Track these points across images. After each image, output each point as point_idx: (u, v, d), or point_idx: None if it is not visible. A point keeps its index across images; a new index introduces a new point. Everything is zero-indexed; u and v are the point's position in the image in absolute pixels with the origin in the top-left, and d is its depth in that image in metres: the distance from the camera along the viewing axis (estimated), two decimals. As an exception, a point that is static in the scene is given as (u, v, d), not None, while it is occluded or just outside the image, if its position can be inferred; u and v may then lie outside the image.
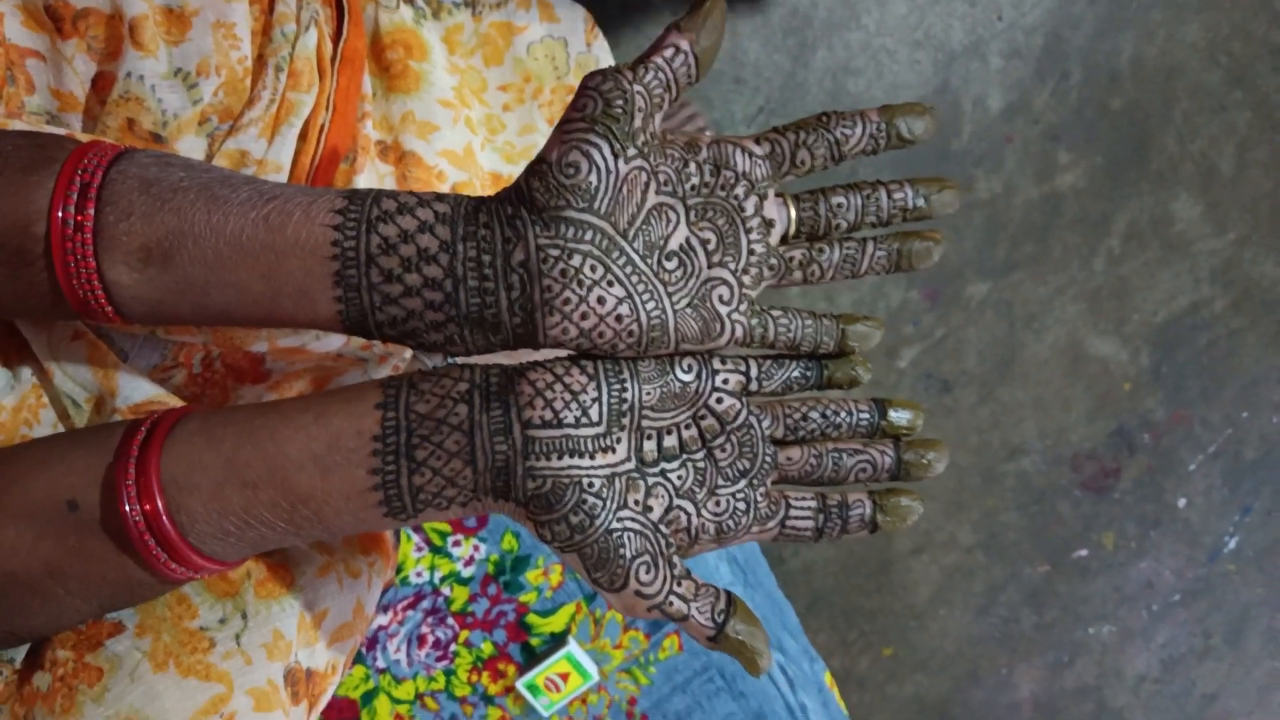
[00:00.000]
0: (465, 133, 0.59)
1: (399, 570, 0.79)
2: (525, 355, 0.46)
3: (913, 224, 0.47)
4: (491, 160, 0.62)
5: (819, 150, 0.42)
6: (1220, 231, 1.58)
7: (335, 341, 0.55)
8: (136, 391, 0.46)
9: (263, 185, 0.41)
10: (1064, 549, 1.68)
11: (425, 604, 0.79)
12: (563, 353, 0.42)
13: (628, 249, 0.40)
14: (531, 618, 0.80)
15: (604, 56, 0.65)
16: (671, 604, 0.41)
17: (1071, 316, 1.51)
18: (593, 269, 0.40)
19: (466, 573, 0.79)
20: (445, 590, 0.79)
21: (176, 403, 0.48)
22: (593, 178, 0.39)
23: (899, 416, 0.44)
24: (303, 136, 0.53)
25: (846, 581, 1.66)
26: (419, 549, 0.79)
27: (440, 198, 0.41)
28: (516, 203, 0.40)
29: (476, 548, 0.79)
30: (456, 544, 0.79)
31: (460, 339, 0.41)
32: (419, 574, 0.79)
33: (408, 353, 0.60)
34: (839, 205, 0.43)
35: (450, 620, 0.79)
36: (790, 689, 0.85)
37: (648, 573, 0.40)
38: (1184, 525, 1.70)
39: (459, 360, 0.43)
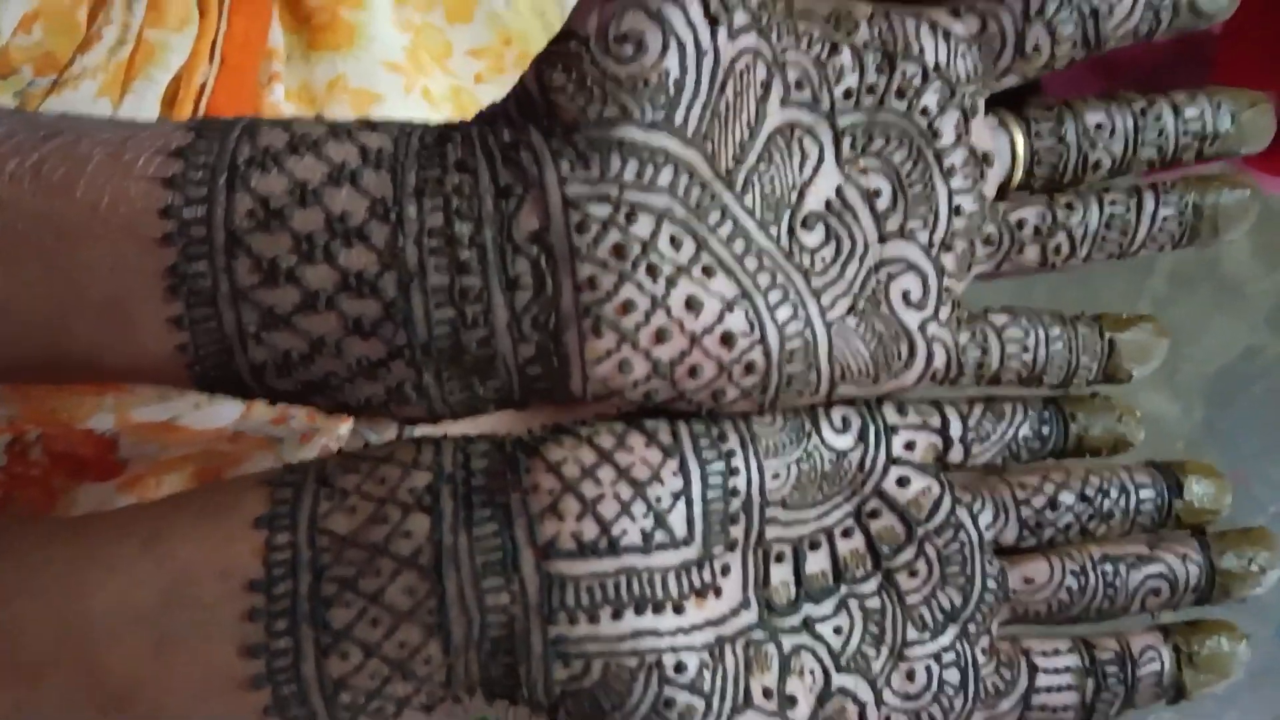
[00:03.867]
0: (423, 107, 0.42)
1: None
2: (536, 417, 0.27)
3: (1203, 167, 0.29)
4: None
5: (1065, 26, 0.24)
6: (1271, 270, 1.43)
7: (228, 412, 0.36)
8: None
9: (39, 118, 0.23)
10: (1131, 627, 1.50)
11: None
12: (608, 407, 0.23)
13: (735, 208, 0.22)
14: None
15: None
16: None
17: (1114, 369, 1.35)
18: (674, 244, 0.21)
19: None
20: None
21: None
22: (670, 61, 0.21)
23: (1202, 492, 0.26)
24: (170, 99, 0.35)
25: None
26: None
27: (371, 125, 0.23)
28: (520, 120, 0.22)
29: None
30: None
31: (418, 391, 0.22)
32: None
33: (345, 427, 0.41)
34: (1098, 128, 0.25)
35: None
36: None
37: None
38: (1248, 597, 1.53)
39: (418, 432, 0.25)
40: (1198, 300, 1.50)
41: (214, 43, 0.36)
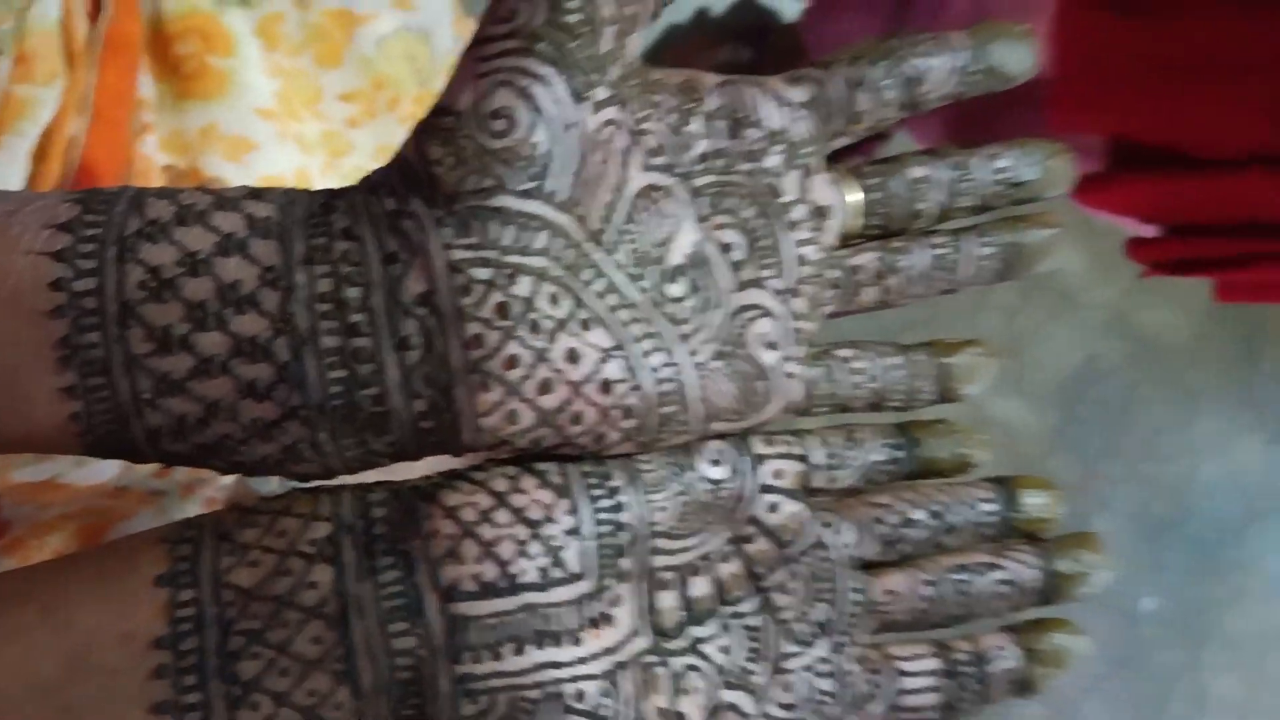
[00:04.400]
0: (296, 152, 0.42)
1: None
2: (420, 467, 0.28)
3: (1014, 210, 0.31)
4: (338, 193, 0.45)
5: (888, 92, 0.26)
6: (1105, 282, 1.54)
7: (108, 467, 0.35)
8: None
9: None
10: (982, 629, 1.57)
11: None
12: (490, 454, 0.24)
13: (607, 265, 0.23)
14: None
15: None
16: None
17: (970, 378, 1.43)
18: (553, 301, 0.23)
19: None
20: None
21: None
22: (539, 135, 0.22)
23: (1035, 503, 0.28)
24: (41, 155, 0.34)
25: None
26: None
27: (256, 193, 0.23)
28: (404, 189, 0.23)
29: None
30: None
31: (313, 449, 0.23)
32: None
33: (229, 478, 0.41)
34: (920, 181, 0.27)
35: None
36: None
37: None
38: (1103, 592, 1.62)
39: (311, 484, 0.26)
40: (1041, 310, 1.60)
41: (83, 95, 0.35)
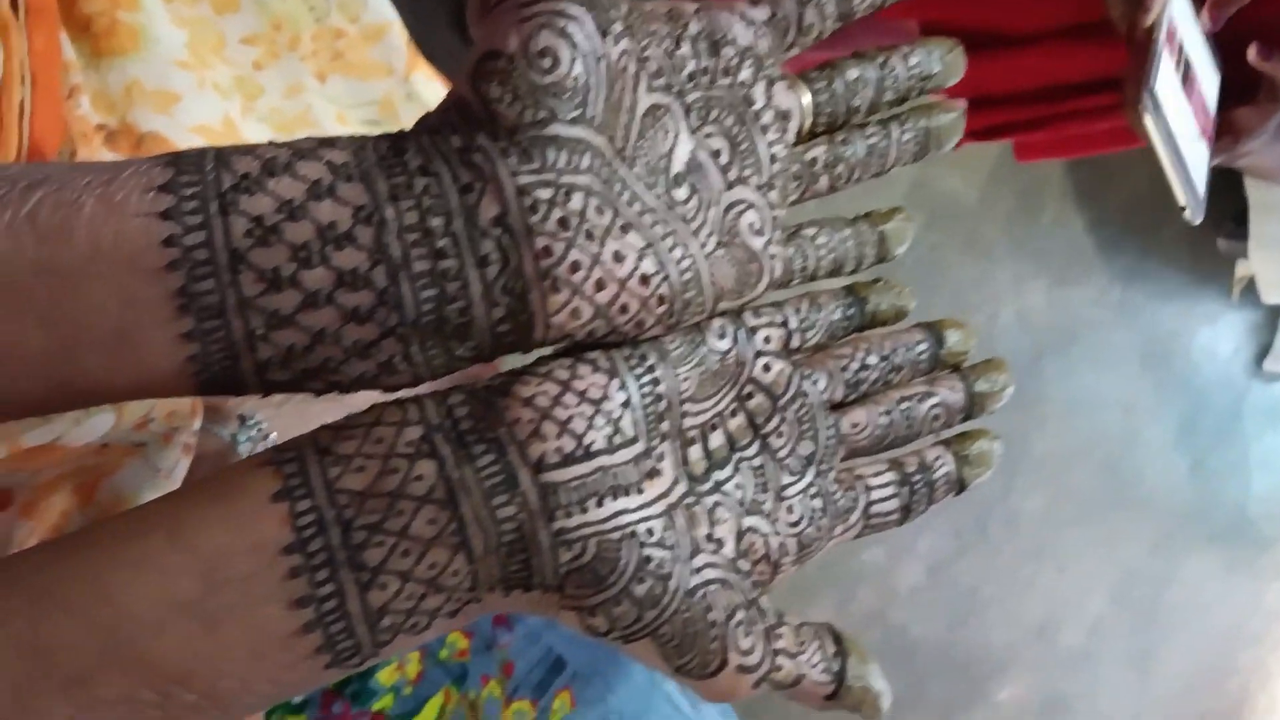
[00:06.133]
0: (216, 100, 0.43)
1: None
2: (460, 378, 0.31)
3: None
4: (260, 132, 0.46)
5: (828, 5, 0.31)
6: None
7: (101, 424, 0.37)
8: None
9: (11, 169, 0.24)
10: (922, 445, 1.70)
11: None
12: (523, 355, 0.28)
13: (629, 178, 0.27)
14: (394, 725, 0.63)
15: None
16: (780, 668, 0.29)
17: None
18: (599, 212, 0.26)
19: (296, 699, 0.61)
20: (275, 728, 0.60)
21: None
22: (578, 68, 0.26)
23: (955, 339, 0.35)
24: (-8, 126, 0.34)
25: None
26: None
27: (327, 142, 0.26)
28: (467, 127, 0.26)
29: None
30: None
31: (405, 361, 0.26)
32: None
33: (196, 423, 0.43)
34: (856, 81, 0.32)
35: (290, 763, 0.61)
36: (693, 709, 0.75)
37: (746, 636, 0.28)
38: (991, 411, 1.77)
39: (389, 397, 0.28)
40: (856, 189, 1.70)
41: (20, 63, 0.35)
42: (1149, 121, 0.63)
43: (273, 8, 0.47)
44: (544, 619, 0.69)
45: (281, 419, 0.50)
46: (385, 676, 0.63)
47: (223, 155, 0.25)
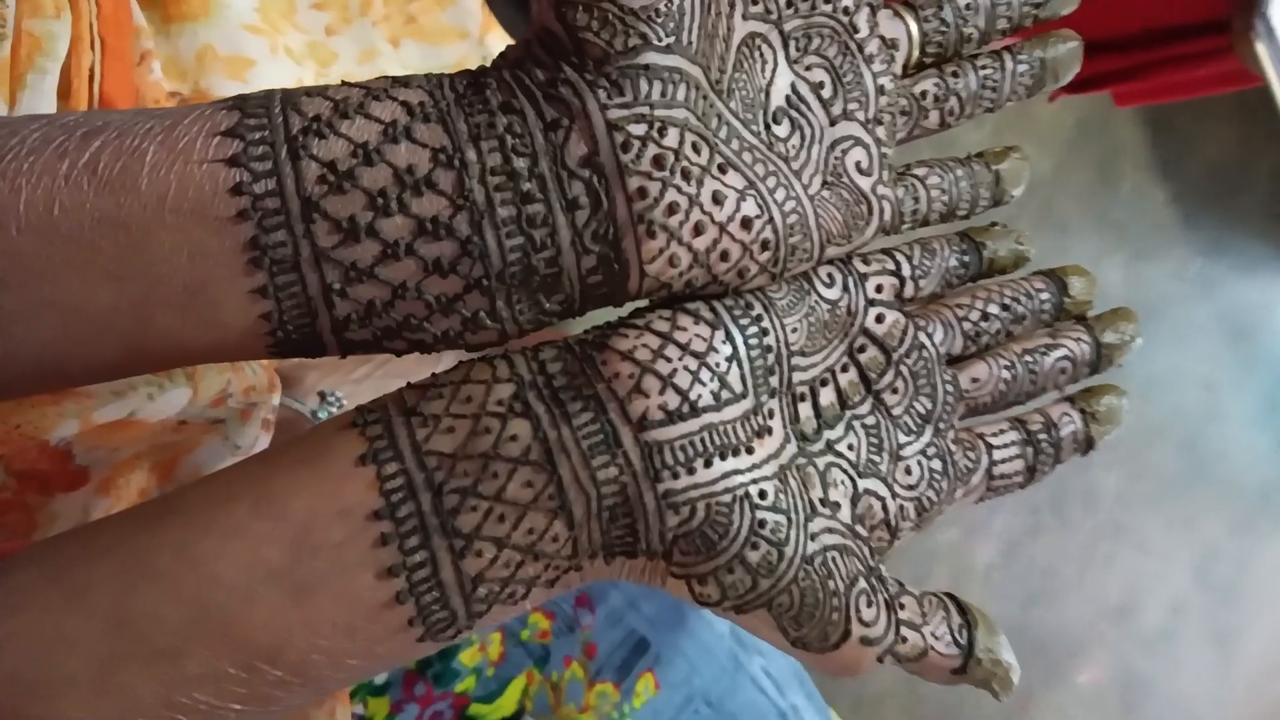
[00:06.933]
0: (290, 66, 0.41)
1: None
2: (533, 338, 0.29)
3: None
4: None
5: None
6: (976, 126, 1.61)
7: (177, 399, 0.36)
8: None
9: (66, 117, 0.23)
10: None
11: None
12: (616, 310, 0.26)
13: (726, 113, 0.25)
14: (475, 708, 0.62)
15: None
16: (905, 640, 0.27)
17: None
18: (695, 150, 0.24)
19: (379, 679, 0.60)
20: (357, 709, 0.59)
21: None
22: None
23: (1079, 287, 0.32)
24: (65, 91, 0.33)
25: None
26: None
27: (401, 81, 0.24)
28: (550, 59, 0.24)
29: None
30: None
31: (491, 316, 0.24)
32: (312, 697, 0.58)
33: (276, 398, 0.42)
34: (967, 8, 0.30)
35: (369, 744, 0.60)
36: (778, 691, 0.73)
37: (869, 605, 0.26)
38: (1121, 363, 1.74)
39: (472, 356, 0.27)
40: (921, 158, 1.65)
41: (90, 26, 0.34)
42: (1262, 50, 0.59)
43: (342, -28, 0.45)
44: (626, 600, 0.68)
45: (361, 394, 0.49)
46: (467, 658, 0.63)
47: (291, 97, 0.23)
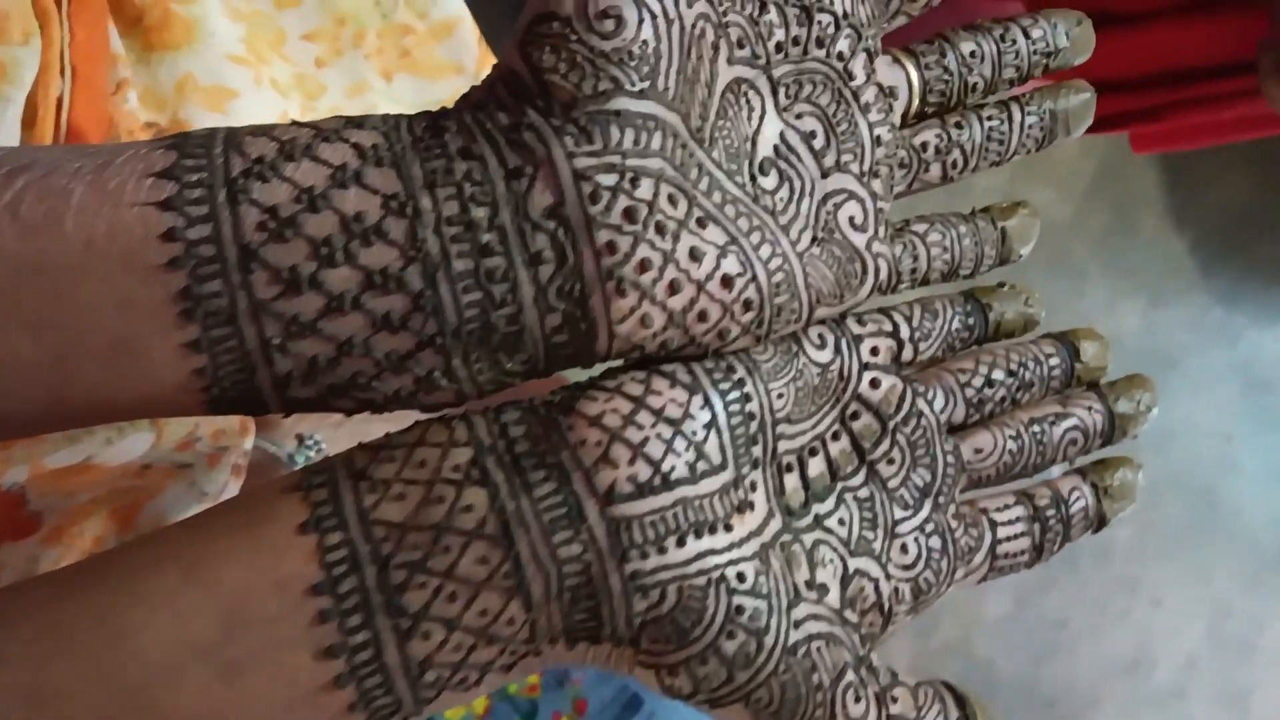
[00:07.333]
0: (275, 99, 0.40)
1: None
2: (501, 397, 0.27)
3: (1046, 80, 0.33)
4: (320, 135, 0.43)
5: None
6: (994, 169, 1.59)
7: (138, 444, 0.34)
8: None
9: None
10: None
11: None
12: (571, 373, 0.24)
13: (707, 162, 0.24)
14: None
15: None
16: None
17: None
18: (672, 202, 0.23)
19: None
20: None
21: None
22: (647, 32, 0.22)
23: (1092, 352, 0.30)
24: (30, 120, 0.32)
25: None
26: None
27: (355, 122, 0.23)
28: (514, 102, 0.22)
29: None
30: None
31: (447, 376, 0.22)
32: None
33: (248, 441, 0.40)
34: (972, 55, 0.28)
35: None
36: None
37: (857, 701, 0.24)
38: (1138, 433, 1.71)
39: (437, 414, 0.25)
40: (934, 200, 1.64)
41: (61, 53, 0.33)
42: None
43: (337, 3, 0.44)
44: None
45: (340, 438, 0.47)
46: (451, 712, 0.60)
47: (234, 136, 0.22)
